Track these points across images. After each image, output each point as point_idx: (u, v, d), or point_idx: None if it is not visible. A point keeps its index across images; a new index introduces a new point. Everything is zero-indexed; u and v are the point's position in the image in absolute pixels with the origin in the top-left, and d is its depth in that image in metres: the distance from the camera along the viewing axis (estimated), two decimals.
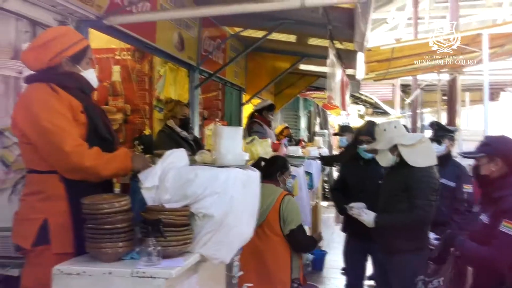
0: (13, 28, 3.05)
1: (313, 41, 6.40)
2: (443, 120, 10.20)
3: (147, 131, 5.42)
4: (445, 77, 8.99)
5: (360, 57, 6.55)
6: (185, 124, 4.55)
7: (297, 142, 8.86)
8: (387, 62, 7.06)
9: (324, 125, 16.03)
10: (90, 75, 2.47)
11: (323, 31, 5.28)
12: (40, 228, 2.28)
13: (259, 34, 5.89)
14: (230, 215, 2.35)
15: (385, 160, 3.52)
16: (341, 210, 4.14)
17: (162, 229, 2.11)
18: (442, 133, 4.53)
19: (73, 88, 2.36)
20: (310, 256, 6.73)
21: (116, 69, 5.50)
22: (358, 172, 4.21)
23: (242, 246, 2.67)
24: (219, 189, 2.31)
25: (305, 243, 3.90)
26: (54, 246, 2.27)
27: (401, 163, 3.45)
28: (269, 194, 3.68)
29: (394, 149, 3.46)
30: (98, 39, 5.27)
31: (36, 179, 2.35)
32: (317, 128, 15.88)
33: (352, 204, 3.64)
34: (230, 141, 2.61)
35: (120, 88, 5.52)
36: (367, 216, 3.47)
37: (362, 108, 20.22)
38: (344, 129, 7.12)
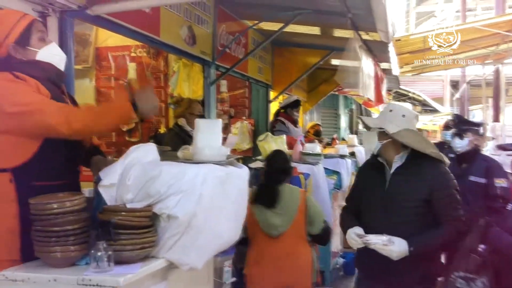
0: None
1: (338, 32, 6.06)
2: (490, 116, 9.55)
3: (162, 129, 5.27)
4: (490, 69, 8.39)
5: (391, 48, 6.16)
6: None
7: (330, 142, 8.54)
8: (421, 53, 6.60)
9: (367, 126, 15.53)
10: (50, 51, 2.24)
11: (344, 21, 4.95)
12: None
13: (278, 26, 5.62)
14: (199, 215, 2.11)
15: (370, 143, 2.81)
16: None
17: (113, 231, 1.90)
18: (464, 126, 4.22)
19: (40, 78, 2.16)
20: (341, 260, 6.41)
21: (132, 66, 5.39)
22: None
23: (221, 250, 2.43)
24: (185, 187, 2.08)
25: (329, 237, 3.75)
26: None
27: (413, 162, 2.69)
28: (290, 195, 3.44)
29: (384, 134, 2.69)
30: (115, 37, 5.21)
31: None
32: (360, 127, 15.38)
33: (370, 237, 2.61)
34: (208, 135, 2.37)
35: (136, 86, 5.40)
36: (397, 246, 2.53)
37: (409, 106, 19.52)
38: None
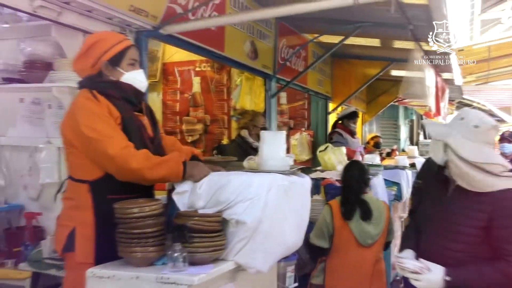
0: (79, 42, 3.24)
1: (398, 44, 6.07)
2: None
3: (225, 141, 5.48)
4: None
5: (453, 58, 6.08)
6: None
7: (390, 153, 8.48)
8: (486, 62, 6.46)
9: (428, 134, 15.14)
10: (136, 76, 2.42)
11: (405, 33, 4.98)
12: (68, 236, 2.32)
13: (338, 39, 5.71)
14: (265, 222, 2.25)
15: (434, 153, 2.31)
16: None
17: (187, 235, 2.07)
18: None
19: (116, 97, 2.34)
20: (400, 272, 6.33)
21: (197, 80, 5.66)
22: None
23: (285, 255, 2.55)
24: (252, 195, 2.22)
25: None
26: (77, 255, 2.31)
27: None
28: (377, 205, 3.56)
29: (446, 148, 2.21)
30: (180, 53, 5.50)
31: (71, 185, 2.41)
32: (421, 138, 15.05)
33: (403, 257, 2.28)
34: (272, 146, 2.51)
35: (201, 99, 5.66)
36: (433, 274, 2.15)
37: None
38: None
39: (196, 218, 2.15)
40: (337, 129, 6.68)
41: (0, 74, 3.30)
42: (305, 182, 2.69)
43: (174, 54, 5.69)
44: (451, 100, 10.86)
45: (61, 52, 3.22)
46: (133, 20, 2.99)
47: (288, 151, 5.57)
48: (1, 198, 3.48)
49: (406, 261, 2.21)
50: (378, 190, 4.60)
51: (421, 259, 2.21)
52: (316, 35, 5.77)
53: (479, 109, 18.04)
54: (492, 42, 6.00)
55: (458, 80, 7.73)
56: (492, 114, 18.51)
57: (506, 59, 6.27)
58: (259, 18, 4.10)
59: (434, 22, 4.10)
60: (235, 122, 5.59)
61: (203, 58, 5.44)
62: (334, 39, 5.90)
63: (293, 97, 7.41)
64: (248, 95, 5.36)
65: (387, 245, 3.67)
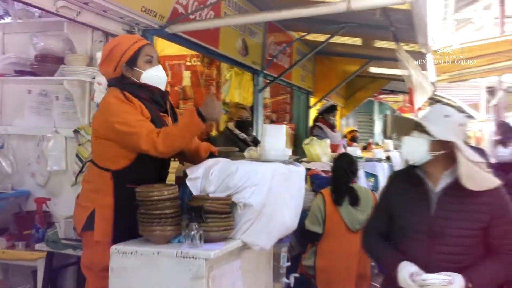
0: (89, 38, 3.46)
1: (379, 43, 6.41)
2: None
3: (214, 133, 5.73)
4: None
5: (429, 58, 6.45)
6: (243, 126, 4.78)
7: (366, 146, 8.87)
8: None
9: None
10: (153, 73, 2.58)
11: (386, 34, 5.31)
12: (89, 216, 2.56)
13: (324, 38, 6.02)
14: (269, 205, 2.53)
15: (415, 151, 2.22)
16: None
17: (203, 215, 2.34)
18: (510, 134, 4.02)
19: (146, 99, 2.56)
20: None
21: (187, 74, 5.87)
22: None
23: (284, 235, 2.85)
24: (257, 181, 2.50)
25: None
26: (96, 233, 2.54)
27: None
28: (365, 193, 3.87)
29: (437, 145, 2.16)
30: (172, 47, 5.69)
31: (94, 171, 2.63)
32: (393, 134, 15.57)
33: (427, 277, 2.10)
34: (273, 138, 2.79)
35: (190, 92, 5.88)
36: (457, 284, 2.07)
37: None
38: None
39: (210, 200, 2.42)
40: (318, 123, 6.99)
41: (12, 67, 3.47)
42: (301, 171, 2.99)
43: (166, 49, 5.87)
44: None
45: (71, 47, 3.42)
46: (143, 20, 3.22)
47: None
48: (8, 185, 3.67)
49: (430, 277, 2.08)
50: (360, 180, 4.94)
51: (443, 272, 2.08)
52: (302, 33, 6.05)
53: (449, 105, 18.68)
54: (465, 44, 6.39)
55: (432, 78, 8.15)
56: (462, 111, 19.21)
57: (478, 60, 6.69)
58: (258, 21, 4.36)
59: (415, 27, 4.41)
60: (224, 115, 5.83)
61: (194, 53, 5.66)
62: (319, 37, 6.20)
63: (276, 92, 7.68)
64: (237, 89, 5.62)
65: None
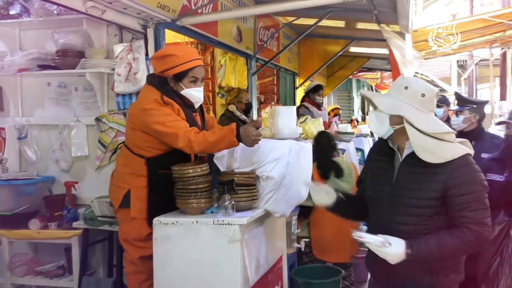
0: (104, 32, 3.73)
1: (361, 25, 6.78)
2: (497, 95, 10.25)
3: (211, 115, 6.04)
4: (497, 51, 9.10)
5: (408, 38, 6.87)
6: (249, 108, 5.15)
7: (349, 122, 9.30)
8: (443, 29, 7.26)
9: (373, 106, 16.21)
10: (193, 93, 2.86)
11: (369, 16, 5.67)
12: (125, 195, 2.91)
13: (309, 21, 6.35)
14: (287, 177, 2.91)
15: (378, 125, 2.22)
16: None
17: (235, 187, 2.70)
18: (461, 104, 4.02)
19: (180, 104, 2.85)
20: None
21: None
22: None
23: (299, 204, 3.24)
24: (277, 156, 2.88)
25: None
26: (132, 210, 2.89)
27: None
28: (347, 165, 4.23)
29: (397, 118, 2.13)
30: (167, 34, 5.94)
31: (128, 155, 2.95)
32: (371, 108, 16.10)
33: (362, 233, 2.16)
34: (286, 118, 3.17)
35: None
36: (394, 248, 2.08)
37: None
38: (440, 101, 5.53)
39: (239, 174, 2.78)
40: (304, 103, 7.36)
41: (34, 62, 3.72)
42: (309, 146, 3.37)
43: None
44: None
45: (90, 41, 3.69)
46: (157, 14, 3.50)
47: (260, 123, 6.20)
48: (34, 171, 3.95)
49: (366, 236, 2.12)
50: (351, 154, 5.37)
51: (383, 235, 2.12)
52: (289, 18, 6.37)
53: (422, 80, 19.28)
54: (439, 24, 6.82)
55: (409, 55, 8.60)
56: (434, 84, 19.87)
57: (450, 38, 7.13)
58: (262, 12, 4.61)
59: (397, 10, 4.78)
60: (220, 99, 6.15)
61: (189, 40, 5.92)
62: (305, 21, 6.53)
63: (263, 74, 7.99)
64: (232, 74, 5.92)
65: None
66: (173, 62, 2.79)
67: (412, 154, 2.13)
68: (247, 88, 5.89)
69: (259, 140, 2.71)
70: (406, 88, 2.16)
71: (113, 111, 3.71)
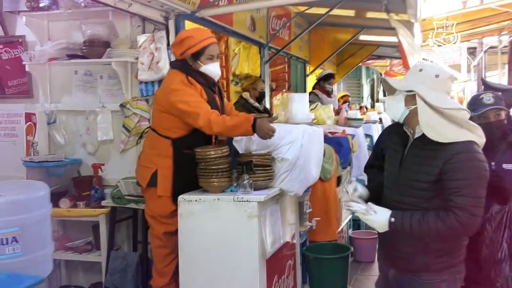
0: (128, 24, 3.97)
1: (371, 14, 6.94)
2: (505, 81, 10.37)
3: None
4: (505, 38, 9.22)
5: (417, 26, 7.03)
6: (262, 96, 5.38)
7: (359, 109, 9.49)
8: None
9: (387, 91, 16.33)
10: (211, 68, 3.14)
11: (378, 5, 5.86)
12: (152, 175, 3.16)
13: (320, 11, 6.54)
14: (301, 158, 3.15)
15: (394, 108, 2.31)
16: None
17: (253, 168, 2.94)
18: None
19: (203, 83, 3.13)
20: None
21: None
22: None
23: (310, 185, 3.48)
24: (292, 139, 3.12)
25: None
26: (158, 189, 3.15)
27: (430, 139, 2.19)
28: (327, 148, 4.44)
29: (412, 99, 2.21)
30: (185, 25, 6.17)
31: (155, 137, 3.22)
32: (380, 95, 16.24)
33: (350, 201, 2.34)
34: (299, 104, 3.41)
35: None
36: (379, 215, 2.23)
37: None
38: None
39: (256, 156, 3.03)
40: (314, 90, 7.58)
41: (63, 51, 3.97)
42: (321, 131, 3.60)
43: None
44: None
45: (115, 32, 3.92)
46: (178, 7, 3.73)
47: (271, 110, 6.44)
48: (62, 154, 4.21)
49: (353, 205, 2.29)
50: (360, 139, 5.58)
51: (369, 203, 2.28)
52: (301, 8, 6.56)
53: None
54: (448, 13, 6.97)
55: (418, 43, 8.76)
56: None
57: (459, 26, 7.28)
58: (279, 4, 4.77)
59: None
60: (234, 86, 6.38)
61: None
62: (315, 10, 6.71)
63: (274, 62, 8.17)
64: (246, 62, 6.14)
65: (339, 180, 4.52)
66: (190, 43, 3.08)
67: (421, 138, 2.21)
68: (260, 76, 6.10)
69: (272, 135, 2.93)
70: (420, 70, 2.24)
71: (136, 97, 3.95)
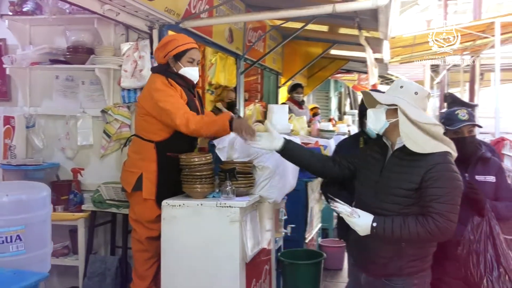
0: (112, 31, 4.04)
1: (342, 30, 7.21)
2: (466, 98, 10.87)
3: None
4: (467, 58, 9.70)
5: (386, 43, 7.33)
6: (231, 106, 5.55)
7: (329, 121, 9.75)
8: (411, 47, 7.82)
9: (354, 105, 16.78)
10: (190, 71, 3.27)
11: (351, 23, 6.11)
12: (137, 179, 3.25)
13: (295, 25, 6.74)
14: (280, 167, 3.30)
15: (375, 121, 2.47)
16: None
17: (236, 175, 3.07)
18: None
19: (182, 85, 3.25)
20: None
21: None
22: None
23: (288, 192, 3.63)
24: None
25: None
26: (144, 193, 3.24)
27: (410, 149, 2.36)
28: None
29: (392, 113, 2.39)
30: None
31: (139, 142, 3.31)
32: (347, 108, 16.66)
33: (337, 204, 2.41)
34: (279, 114, 3.56)
35: None
36: (362, 219, 2.35)
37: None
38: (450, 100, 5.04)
39: (239, 164, 3.15)
40: (286, 102, 7.78)
41: (46, 56, 4.01)
42: (298, 141, 3.76)
43: None
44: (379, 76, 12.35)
45: (99, 39, 3.99)
46: (163, 17, 3.84)
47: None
48: (40, 158, 4.23)
49: (339, 206, 2.39)
50: (332, 150, 5.77)
51: (353, 208, 2.38)
52: (277, 21, 6.75)
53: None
54: (417, 32, 7.31)
55: (387, 59, 9.10)
56: None
57: (425, 45, 7.64)
58: (258, 19, 4.98)
59: (378, 18, 5.21)
60: (209, 95, 6.49)
61: None
62: (289, 24, 6.92)
63: (248, 72, 8.34)
64: (222, 72, 6.27)
65: None
66: (173, 45, 3.22)
67: (401, 149, 2.39)
68: (236, 86, 6.25)
69: (253, 135, 2.99)
70: (401, 87, 2.44)
71: (118, 104, 4.03)
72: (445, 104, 3.56)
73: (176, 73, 3.26)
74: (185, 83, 3.29)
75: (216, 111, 5.66)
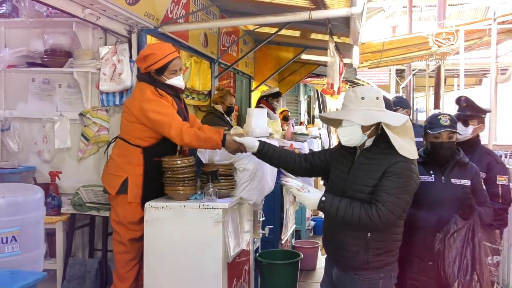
0: (90, 35, 4.05)
1: (314, 35, 7.37)
2: (431, 103, 11.25)
3: None
4: (433, 63, 10.04)
5: (356, 49, 7.53)
6: (230, 110, 5.68)
7: (300, 124, 9.91)
8: (379, 53, 8.06)
9: (323, 108, 17.05)
10: (175, 82, 3.31)
11: (323, 29, 6.26)
12: (122, 182, 3.28)
13: (268, 30, 6.86)
14: (260, 169, 3.39)
15: (352, 137, 2.55)
16: None
17: (218, 177, 3.14)
18: (471, 112, 3.51)
19: (170, 94, 3.30)
20: (312, 223, 7.82)
21: None
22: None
23: (267, 194, 3.72)
24: None
25: None
26: (129, 196, 3.27)
27: (380, 146, 2.55)
28: None
29: (367, 126, 2.52)
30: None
31: (125, 146, 3.33)
32: (316, 112, 16.92)
33: (288, 179, 2.62)
34: (258, 119, 3.64)
35: None
36: (311, 194, 2.52)
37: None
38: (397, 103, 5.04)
39: (221, 166, 3.22)
40: (261, 105, 7.89)
41: (23, 59, 3.98)
42: (276, 143, 3.85)
43: None
44: (346, 80, 12.63)
45: (77, 43, 3.99)
46: (143, 22, 3.87)
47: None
48: (15, 162, 4.19)
49: (289, 181, 2.55)
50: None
51: (304, 183, 2.54)
52: (251, 26, 6.84)
53: (363, 85, 20.49)
54: (386, 39, 7.54)
55: (356, 64, 9.34)
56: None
57: (393, 51, 7.88)
58: (236, 25, 5.05)
59: (350, 26, 5.38)
60: (185, 99, 6.51)
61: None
62: (264, 29, 7.03)
63: (220, 76, 8.42)
64: (197, 76, 6.30)
65: None
66: (152, 59, 3.24)
67: (369, 149, 2.55)
68: (210, 90, 6.31)
69: (240, 152, 3.13)
70: (363, 98, 2.52)
71: (96, 107, 4.04)
72: (457, 107, 3.31)
73: (164, 83, 3.30)
74: (173, 91, 3.34)
75: (218, 113, 5.72)
